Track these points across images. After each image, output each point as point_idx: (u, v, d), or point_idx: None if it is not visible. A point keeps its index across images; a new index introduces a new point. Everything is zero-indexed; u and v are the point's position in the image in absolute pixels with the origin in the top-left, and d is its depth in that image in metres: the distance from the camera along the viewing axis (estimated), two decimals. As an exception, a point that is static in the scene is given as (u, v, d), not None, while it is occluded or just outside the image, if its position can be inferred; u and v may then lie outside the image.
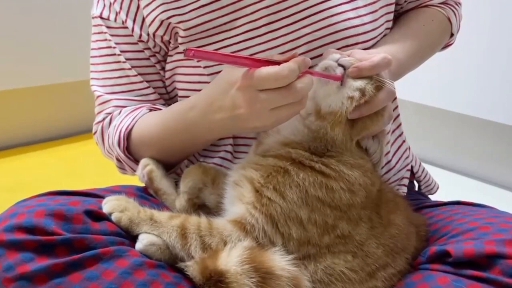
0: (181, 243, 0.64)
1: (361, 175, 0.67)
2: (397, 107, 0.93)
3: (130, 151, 0.86)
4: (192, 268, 0.62)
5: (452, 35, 0.98)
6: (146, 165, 0.80)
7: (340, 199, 0.65)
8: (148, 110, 0.86)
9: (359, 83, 0.67)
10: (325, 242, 0.65)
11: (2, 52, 1.97)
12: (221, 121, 0.71)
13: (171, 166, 0.88)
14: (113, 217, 0.66)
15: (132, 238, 0.66)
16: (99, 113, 0.90)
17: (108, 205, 0.68)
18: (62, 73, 2.14)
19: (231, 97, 0.68)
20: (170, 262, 0.65)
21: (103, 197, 0.69)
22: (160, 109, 0.87)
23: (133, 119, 0.84)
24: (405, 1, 0.93)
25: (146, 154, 0.84)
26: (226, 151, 0.85)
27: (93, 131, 0.91)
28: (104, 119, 0.88)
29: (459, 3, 0.99)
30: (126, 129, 0.83)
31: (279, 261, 0.61)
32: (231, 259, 0.61)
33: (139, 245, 0.65)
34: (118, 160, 0.88)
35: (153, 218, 0.66)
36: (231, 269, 0.60)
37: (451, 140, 2.02)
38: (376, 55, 0.69)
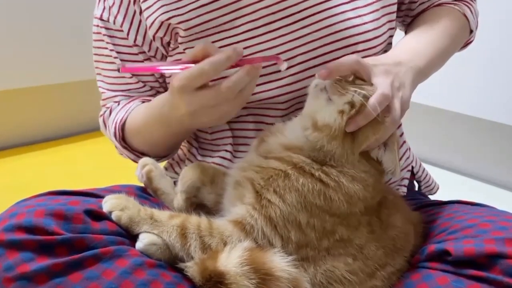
0: (180, 243, 0.64)
1: (361, 189, 0.66)
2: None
3: (125, 141, 0.91)
4: (192, 269, 0.62)
5: (471, 31, 0.96)
6: (145, 165, 0.80)
7: (338, 208, 0.65)
8: (141, 102, 0.91)
9: (344, 98, 0.67)
10: (324, 246, 0.65)
11: (2, 52, 1.97)
12: (181, 118, 0.75)
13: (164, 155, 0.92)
14: (113, 216, 0.66)
15: (132, 237, 0.66)
16: (102, 106, 0.96)
17: (108, 204, 0.68)
18: (62, 73, 2.14)
19: (174, 100, 0.73)
20: (170, 262, 0.65)
21: (103, 197, 0.69)
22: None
23: (126, 111, 0.89)
24: (410, 1, 0.92)
25: (137, 144, 0.90)
26: (226, 151, 0.85)
27: (100, 124, 0.98)
28: (104, 112, 0.94)
29: None
30: (120, 121, 0.89)
31: (279, 262, 0.61)
32: (231, 260, 0.61)
33: (139, 245, 0.65)
34: (117, 148, 0.94)
35: (153, 217, 0.66)
36: (231, 270, 0.60)
37: (451, 140, 2.02)
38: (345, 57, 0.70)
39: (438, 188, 1.01)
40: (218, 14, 0.80)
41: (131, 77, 0.91)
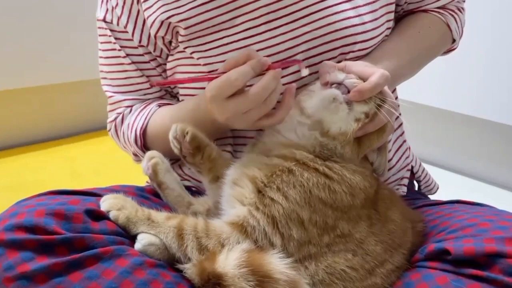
0: (177, 244, 0.64)
1: (362, 180, 0.68)
2: (398, 106, 0.93)
3: (146, 146, 0.90)
4: (190, 270, 0.62)
5: (454, 40, 0.96)
6: (152, 158, 0.80)
7: (342, 201, 0.66)
8: (158, 107, 0.89)
9: (366, 108, 0.69)
10: (325, 242, 0.65)
11: (2, 52, 1.97)
12: (216, 122, 0.74)
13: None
14: (110, 215, 0.67)
15: (132, 237, 0.66)
16: (110, 111, 0.94)
17: (105, 203, 0.68)
18: (62, 73, 2.14)
19: (208, 108, 0.73)
20: (170, 262, 0.65)
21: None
22: (168, 103, 0.90)
23: (146, 118, 0.88)
24: (405, 2, 0.92)
25: (161, 148, 0.86)
26: (226, 151, 0.85)
27: (107, 128, 0.96)
28: (116, 118, 0.93)
29: (462, 8, 0.97)
30: (141, 128, 0.88)
31: (277, 264, 0.61)
32: (229, 262, 0.61)
33: (138, 246, 0.65)
34: (135, 154, 0.93)
35: (151, 218, 0.66)
36: (229, 272, 0.60)
37: (451, 140, 2.02)
38: (373, 74, 0.69)
39: (437, 188, 1.01)
40: (218, 12, 0.80)
41: (140, 76, 0.90)
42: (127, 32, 0.87)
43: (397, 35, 0.89)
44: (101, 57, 0.93)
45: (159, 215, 0.67)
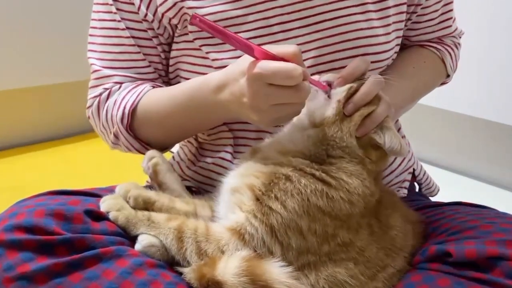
0: (177, 246, 0.64)
1: (360, 184, 0.66)
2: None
3: (132, 127, 0.84)
4: (190, 275, 0.62)
5: (448, 75, 0.97)
6: (152, 158, 0.79)
7: (340, 209, 0.65)
8: (151, 87, 0.85)
9: (346, 86, 0.69)
10: (325, 251, 0.64)
11: (2, 52, 1.97)
12: (227, 103, 0.71)
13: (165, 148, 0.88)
14: (110, 216, 0.66)
15: (132, 238, 0.66)
16: (95, 87, 0.87)
17: (105, 204, 0.68)
18: (62, 73, 2.14)
19: (240, 85, 0.67)
20: (171, 263, 0.65)
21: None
22: (163, 87, 0.86)
23: (138, 95, 0.82)
24: (405, 25, 0.89)
25: (150, 131, 0.84)
26: (226, 152, 0.85)
27: (88, 105, 0.88)
28: (101, 94, 0.86)
29: (459, 44, 0.98)
30: (131, 105, 0.82)
31: (277, 274, 0.61)
32: (229, 270, 0.60)
33: (138, 246, 0.65)
34: (115, 136, 0.86)
35: (151, 219, 0.66)
36: (228, 281, 0.59)
37: (451, 140, 2.02)
38: (352, 61, 0.71)
39: (438, 190, 1.01)
40: (232, 6, 0.79)
41: (137, 53, 0.85)
42: (132, 4, 0.83)
43: (393, 71, 0.87)
44: (94, 27, 0.87)
45: (160, 216, 0.67)
